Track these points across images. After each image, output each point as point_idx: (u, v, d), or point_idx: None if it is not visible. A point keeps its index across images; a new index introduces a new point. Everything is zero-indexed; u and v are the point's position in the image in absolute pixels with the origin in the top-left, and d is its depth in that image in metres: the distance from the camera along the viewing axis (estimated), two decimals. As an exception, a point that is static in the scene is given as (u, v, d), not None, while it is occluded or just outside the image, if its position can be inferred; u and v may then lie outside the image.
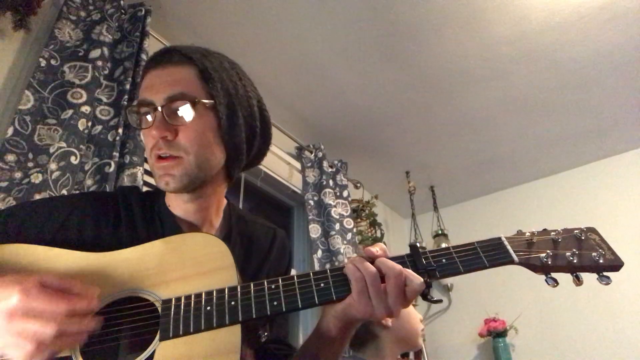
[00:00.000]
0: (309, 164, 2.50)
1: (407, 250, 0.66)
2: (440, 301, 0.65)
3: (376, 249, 0.65)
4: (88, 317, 0.56)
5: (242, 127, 0.76)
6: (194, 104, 0.69)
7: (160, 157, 0.70)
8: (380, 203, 3.18)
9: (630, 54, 2.09)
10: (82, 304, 0.55)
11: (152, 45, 1.63)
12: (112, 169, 1.33)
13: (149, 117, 0.71)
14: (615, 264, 0.64)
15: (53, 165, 1.23)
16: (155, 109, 0.69)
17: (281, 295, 0.61)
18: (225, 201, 0.85)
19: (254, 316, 0.59)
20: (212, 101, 0.72)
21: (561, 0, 1.83)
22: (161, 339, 0.58)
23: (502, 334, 2.72)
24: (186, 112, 0.69)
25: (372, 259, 0.63)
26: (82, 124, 1.31)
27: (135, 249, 0.67)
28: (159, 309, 0.60)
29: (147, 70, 0.74)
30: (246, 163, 0.82)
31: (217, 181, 0.78)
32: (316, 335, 0.71)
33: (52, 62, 1.35)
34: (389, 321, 1.36)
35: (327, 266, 1.81)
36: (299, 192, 2.46)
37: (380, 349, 1.37)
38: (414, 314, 1.45)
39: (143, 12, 1.59)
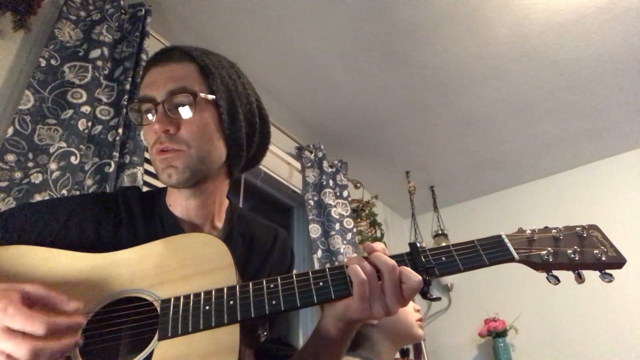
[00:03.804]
0: (309, 164, 2.50)
1: (407, 250, 0.66)
2: (439, 299, 0.64)
3: (375, 244, 0.65)
4: (70, 334, 0.53)
5: (243, 123, 0.76)
6: (195, 98, 0.70)
7: (162, 151, 0.70)
8: (380, 203, 3.18)
9: (630, 54, 2.09)
10: (63, 322, 0.52)
11: (152, 45, 1.63)
12: (112, 169, 1.33)
13: (151, 114, 0.72)
14: (618, 261, 0.64)
15: (53, 165, 1.23)
16: (157, 105, 0.70)
17: (280, 294, 0.61)
18: (227, 201, 0.85)
19: (253, 315, 0.59)
20: (213, 96, 0.72)
21: (561, 0, 1.83)
22: (160, 339, 0.58)
23: (502, 334, 2.71)
24: (187, 106, 0.70)
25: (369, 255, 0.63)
26: (82, 124, 1.31)
27: (136, 249, 0.67)
28: (158, 309, 0.60)
29: (147, 68, 0.75)
30: (246, 162, 0.82)
31: (219, 178, 0.78)
32: (316, 337, 0.71)
33: (52, 62, 1.35)
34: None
35: (327, 266, 1.81)
36: (299, 192, 2.46)
37: (374, 347, 1.36)
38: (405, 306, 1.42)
39: (143, 12, 1.59)
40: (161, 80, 0.71)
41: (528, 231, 0.67)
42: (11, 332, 0.49)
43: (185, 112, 0.70)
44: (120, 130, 1.39)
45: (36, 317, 0.50)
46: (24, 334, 0.49)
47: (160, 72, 0.72)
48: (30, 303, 0.52)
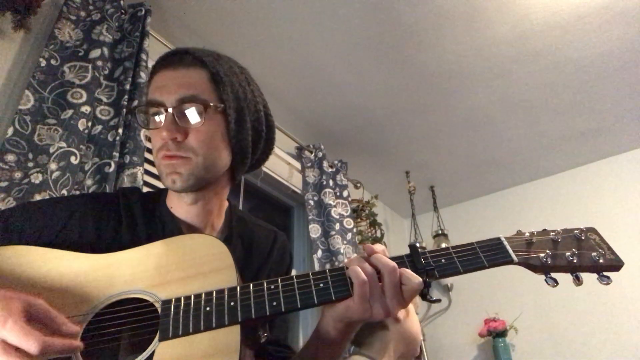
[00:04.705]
0: (309, 164, 2.50)
1: (407, 251, 0.66)
2: (439, 301, 0.65)
3: (376, 246, 0.65)
4: (64, 356, 0.53)
5: (249, 131, 0.76)
6: (205, 108, 0.69)
7: (168, 156, 0.70)
8: (380, 203, 3.18)
9: (630, 54, 2.09)
10: (58, 343, 0.51)
11: (152, 45, 1.63)
12: (112, 169, 1.33)
13: (158, 118, 0.71)
14: (616, 264, 0.64)
15: (53, 165, 1.23)
16: (166, 110, 0.69)
17: (280, 295, 0.61)
18: (227, 203, 0.85)
19: (253, 316, 0.59)
20: (222, 105, 0.72)
21: (561, 0, 1.83)
22: (161, 340, 0.58)
23: (502, 334, 2.72)
24: (197, 115, 0.69)
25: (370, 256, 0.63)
26: (82, 124, 1.31)
27: (136, 250, 0.67)
28: (159, 310, 0.60)
29: (157, 70, 0.74)
30: (249, 166, 0.82)
31: (221, 183, 0.79)
32: (315, 337, 0.71)
33: (52, 62, 1.35)
34: (401, 316, 1.34)
35: (327, 266, 1.81)
36: (299, 192, 2.46)
37: (385, 344, 1.36)
38: (417, 319, 1.44)
39: (143, 12, 1.59)
40: (172, 85, 0.70)
41: (527, 234, 0.68)
42: (6, 346, 0.48)
43: (195, 121, 0.69)
44: (120, 130, 1.39)
45: (32, 335, 0.48)
46: (18, 350, 0.48)
47: (170, 77, 0.71)
48: (30, 316, 0.51)
